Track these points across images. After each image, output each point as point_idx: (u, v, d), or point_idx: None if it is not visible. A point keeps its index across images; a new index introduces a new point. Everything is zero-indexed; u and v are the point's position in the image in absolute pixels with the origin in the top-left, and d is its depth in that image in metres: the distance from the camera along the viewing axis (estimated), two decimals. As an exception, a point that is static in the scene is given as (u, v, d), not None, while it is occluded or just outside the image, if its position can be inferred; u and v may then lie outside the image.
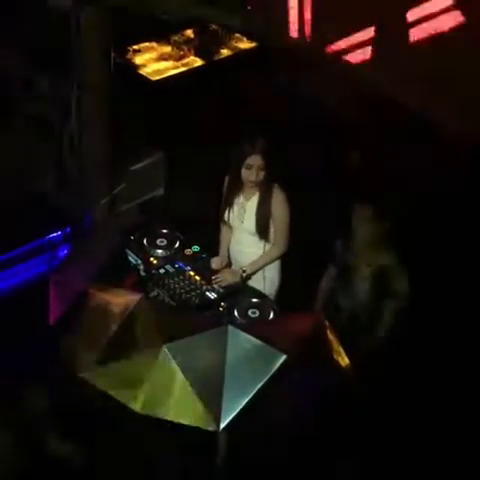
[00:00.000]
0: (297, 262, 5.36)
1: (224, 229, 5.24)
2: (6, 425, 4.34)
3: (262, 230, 4.96)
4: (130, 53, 7.95)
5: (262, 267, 5.04)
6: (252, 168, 4.81)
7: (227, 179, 5.06)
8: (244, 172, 4.86)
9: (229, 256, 5.26)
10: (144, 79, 7.76)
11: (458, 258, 6.15)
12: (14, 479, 4.26)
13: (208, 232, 5.54)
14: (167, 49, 8.09)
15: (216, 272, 5.01)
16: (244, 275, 4.92)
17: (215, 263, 5.08)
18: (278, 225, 4.96)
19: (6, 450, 4.24)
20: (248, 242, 5.06)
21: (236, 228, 5.11)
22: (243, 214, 5.01)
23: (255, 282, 5.01)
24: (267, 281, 5.06)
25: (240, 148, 4.84)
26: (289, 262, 5.20)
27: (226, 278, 4.93)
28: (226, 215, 5.08)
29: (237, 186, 4.97)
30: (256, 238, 5.01)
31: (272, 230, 5.00)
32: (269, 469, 4.07)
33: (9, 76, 5.58)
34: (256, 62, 8.03)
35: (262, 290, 4.97)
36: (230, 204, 5.05)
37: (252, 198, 4.96)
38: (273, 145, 4.91)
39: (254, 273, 5.04)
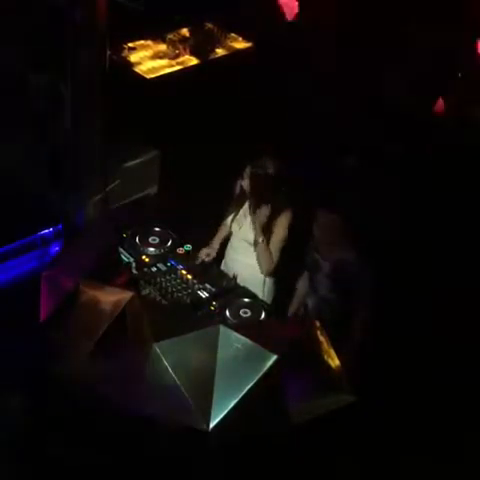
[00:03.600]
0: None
1: (222, 228, 5.24)
2: None
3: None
4: (125, 51, 7.93)
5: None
6: (265, 180, 4.82)
7: (238, 184, 5.04)
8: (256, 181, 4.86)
9: (224, 262, 5.26)
10: (139, 77, 7.75)
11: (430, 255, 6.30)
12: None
13: (201, 231, 5.53)
14: (162, 47, 8.08)
15: (207, 271, 5.01)
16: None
17: (203, 253, 5.09)
18: (271, 247, 4.95)
19: None
20: (244, 251, 5.05)
21: (234, 235, 5.12)
22: (243, 221, 5.01)
23: (255, 286, 4.99)
24: (267, 285, 5.06)
25: (259, 159, 4.85)
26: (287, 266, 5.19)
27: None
28: (229, 219, 5.09)
29: (245, 194, 4.97)
30: (252, 249, 5.00)
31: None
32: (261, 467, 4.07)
33: (4, 73, 5.56)
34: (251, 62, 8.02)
35: (261, 294, 4.96)
36: (236, 208, 5.05)
37: (258, 209, 4.95)
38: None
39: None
